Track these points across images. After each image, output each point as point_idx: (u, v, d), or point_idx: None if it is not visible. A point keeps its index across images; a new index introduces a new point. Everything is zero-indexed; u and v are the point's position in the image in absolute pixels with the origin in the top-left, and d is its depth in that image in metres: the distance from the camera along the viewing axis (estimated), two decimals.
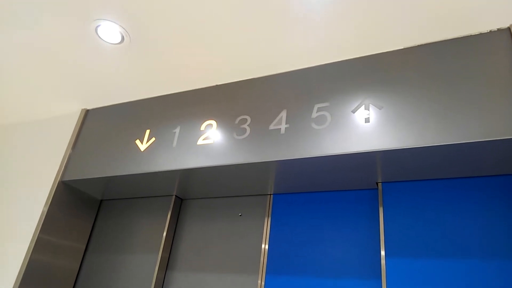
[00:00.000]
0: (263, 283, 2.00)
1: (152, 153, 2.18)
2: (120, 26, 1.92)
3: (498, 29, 1.66)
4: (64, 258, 2.40)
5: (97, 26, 1.93)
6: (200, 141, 2.06)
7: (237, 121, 2.02)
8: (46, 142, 2.70)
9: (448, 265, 1.61)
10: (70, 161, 2.47)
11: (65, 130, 2.64)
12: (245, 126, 1.98)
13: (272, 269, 2.02)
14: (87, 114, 2.67)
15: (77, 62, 2.24)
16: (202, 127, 2.11)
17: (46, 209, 2.32)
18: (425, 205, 1.78)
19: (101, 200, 2.74)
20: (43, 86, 2.52)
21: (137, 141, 2.28)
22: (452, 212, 1.71)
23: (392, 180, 1.87)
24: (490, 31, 1.67)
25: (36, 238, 2.24)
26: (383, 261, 1.72)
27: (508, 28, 1.64)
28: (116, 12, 1.85)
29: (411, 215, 1.77)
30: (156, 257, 2.28)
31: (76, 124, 2.62)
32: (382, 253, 1.73)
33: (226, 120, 2.06)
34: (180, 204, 2.52)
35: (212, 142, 2.02)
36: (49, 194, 2.37)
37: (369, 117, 1.69)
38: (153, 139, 2.23)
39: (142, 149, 2.23)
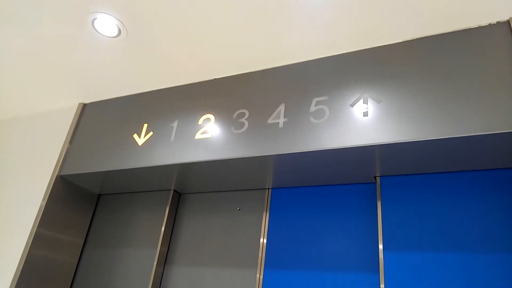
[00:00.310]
0: (261, 277, 2.01)
1: (150, 147, 2.17)
2: (117, 19, 1.90)
3: (498, 22, 1.65)
4: (62, 252, 2.40)
5: (94, 19, 1.92)
6: (198, 135, 2.05)
7: (235, 115, 2.02)
8: (44, 137, 2.69)
9: (446, 258, 1.62)
10: (67, 156, 2.46)
11: (62, 125, 2.63)
12: (243, 120, 1.97)
13: (271, 263, 2.03)
14: (84, 108, 2.65)
15: (74, 55, 2.23)
16: (200, 121, 2.10)
17: (44, 204, 2.31)
18: (423, 199, 1.78)
19: (99, 195, 2.73)
20: (40, 80, 2.50)
21: (135, 135, 2.27)
22: (451, 206, 1.72)
23: (390, 174, 1.87)
24: (489, 24, 1.67)
25: (34, 233, 2.23)
26: (381, 255, 1.72)
27: (508, 21, 1.63)
28: (112, 5, 1.84)
29: (409, 209, 1.78)
30: (154, 252, 2.29)
31: (74, 118, 2.61)
32: (380, 246, 1.74)
33: (224, 114, 2.05)
34: (178, 199, 2.52)
35: (210, 136, 2.02)
36: (46, 189, 2.37)
37: (367, 111, 1.69)
38: (151, 133, 2.22)
39: (140, 143, 2.22)
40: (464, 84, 1.56)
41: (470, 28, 1.69)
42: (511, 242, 1.55)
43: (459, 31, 1.71)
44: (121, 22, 1.92)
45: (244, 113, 1.99)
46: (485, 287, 1.51)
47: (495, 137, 1.44)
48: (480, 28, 1.68)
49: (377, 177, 1.91)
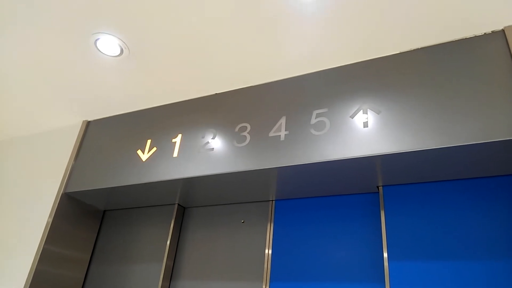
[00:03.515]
0: None
1: (153, 162, 2.20)
2: (119, 39, 1.94)
3: (493, 32, 1.68)
4: (69, 268, 2.41)
5: (96, 40, 1.96)
6: (201, 150, 2.08)
7: (237, 129, 2.04)
8: (49, 155, 2.72)
9: (451, 266, 1.62)
10: (72, 173, 2.49)
11: (67, 142, 2.66)
12: (245, 133, 1.99)
13: (277, 275, 2.03)
14: (88, 126, 2.69)
15: (77, 74, 2.27)
16: (203, 136, 2.13)
17: (50, 221, 2.33)
18: (426, 207, 1.79)
19: (105, 211, 2.75)
20: (44, 99, 2.54)
21: (139, 151, 2.30)
22: (454, 213, 1.72)
23: (393, 183, 1.88)
24: (485, 33, 1.69)
25: (41, 249, 2.25)
26: (386, 264, 1.73)
27: (502, 30, 1.65)
28: (114, 25, 1.88)
29: (412, 218, 1.78)
30: (160, 266, 2.30)
31: (78, 136, 2.64)
32: (385, 255, 1.74)
33: (226, 128, 2.07)
34: (183, 213, 2.53)
35: (213, 150, 2.04)
36: (52, 206, 2.39)
37: (367, 122, 1.70)
38: (154, 148, 2.25)
39: (143, 159, 2.24)
40: (461, 93, 1.58)
41: (466, 38, 1.72)
42: None
43: (455, 41, 1.74)
44: (123, 41, 1.96)
45: (246, 127, 2.01)
46: None
47: (494, 145, 1.46)
48: (475, 37, 1.70)
49: (379, 187, 1.92)
